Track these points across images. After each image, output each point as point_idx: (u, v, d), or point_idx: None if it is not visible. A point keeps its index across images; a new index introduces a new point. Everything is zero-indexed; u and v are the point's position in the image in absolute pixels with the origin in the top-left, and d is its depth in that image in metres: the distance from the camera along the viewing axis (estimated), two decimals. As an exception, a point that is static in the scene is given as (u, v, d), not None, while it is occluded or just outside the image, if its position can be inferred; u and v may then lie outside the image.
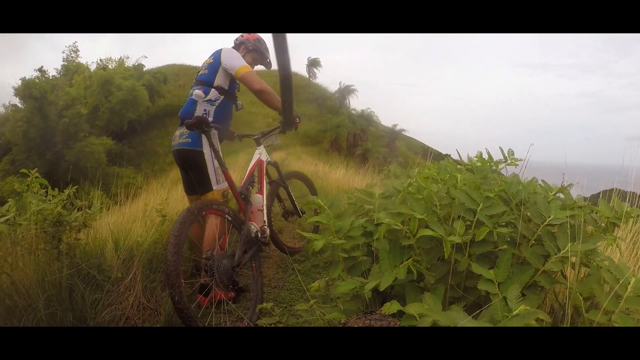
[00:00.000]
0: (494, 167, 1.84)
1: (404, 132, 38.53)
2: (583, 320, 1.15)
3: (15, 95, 22.77)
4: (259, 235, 2.31)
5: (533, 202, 1.35)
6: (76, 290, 1.88)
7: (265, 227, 2.42)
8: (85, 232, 2.19)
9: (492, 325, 0.98)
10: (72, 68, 28.58)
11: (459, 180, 1.47)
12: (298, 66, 47.02)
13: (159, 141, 28.99)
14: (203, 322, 1.81)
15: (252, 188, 2.53)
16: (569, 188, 1.47)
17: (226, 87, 2.40)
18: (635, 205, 1.81)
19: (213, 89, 2.36)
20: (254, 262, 2.21)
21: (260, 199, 2.49)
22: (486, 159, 1.87)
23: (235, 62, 2.34)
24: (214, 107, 2.37)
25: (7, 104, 24.49)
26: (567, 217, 1.24)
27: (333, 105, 41.09)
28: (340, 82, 45.66)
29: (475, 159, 1.90)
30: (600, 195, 1.74)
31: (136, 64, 33.01)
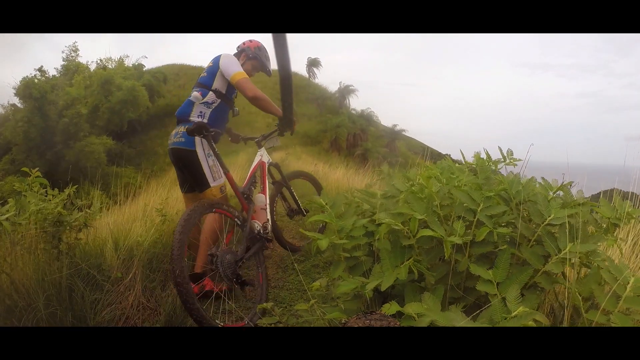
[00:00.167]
0: (493, 167, 1.84)
1: (404, 132, 38.53)
2: (583, 321, 1.15)
3: (16, 95, 22.77)
4: (262, 232, 2.39)
5: (533, 202, 1.35)
6: (76, 290, 1.88)
7: (268, 224, 2.49)
8: (85, 232, 2.20)
9: (491, 326, 0.98)
10: (72, 68, 28.55)
11: (462, 181, 1.47)
12: (298, 66, 47.03)
13: (159, 141, 28.96)
14: (209, 315, 1.83)
15: (255, 188, 2.60)
16: (569, 186, 1.47)
17: (223, 91, 2.46)
18: (636, 206, 1.81)
19: (210, 92, 2.42)
20: (260, 269, 2.28)
21: (262, 198, 2.57)
22: (484, 159, 1.87)
23: (232, 68, 2.40)
24: (210, 109, 2.43)
25: (6, 104, 24.51)
26: (567, 216, 1.24)
27: (333, 105, 41.08)
28: (340, 82, 45.68)
29: (473, 159, 1.90)
30: (601, 195, 1.74)
31: (136, 63, 32.99)
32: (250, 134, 2.97)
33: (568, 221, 1.24)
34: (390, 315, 1.17)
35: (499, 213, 1.35)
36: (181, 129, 2.36)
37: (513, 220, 1.37)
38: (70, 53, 29.55)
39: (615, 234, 1.40)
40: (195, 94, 2.38)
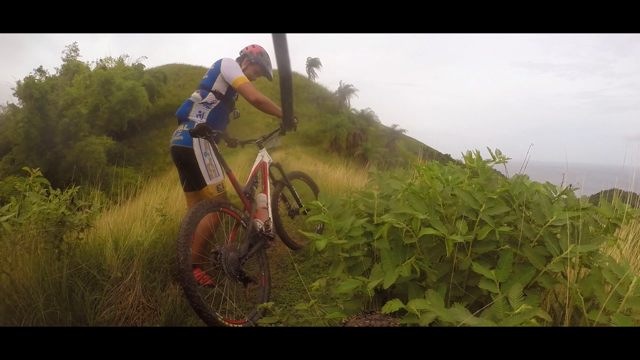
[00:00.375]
0: (484, 167, 1.84)
1: (403, 132, 38.54)
2: (583, 321, 1.15)
3: (16, 95, 22.76)
4: (264, 230, 2.44)
5: (536, 204, 1.35)
6: (76, 290, 1.88)
7: (270, 222, 2.54)
8: (85, 231, 2.20)
9: (493, 324, 0.98)
10: (72, 68, 28.52)
11: (464, 182, 1.47)
12: (298, 66, 47.03)
13: (159, 141, 28.97)
14: (213, 310, 1.85)
15: (256, 188, 2.65)
16: (574, 190, 1.48)
17: (223, 93, 2.52)
18: (636, 206, 1.81)
19: (210, 93, 2.49)
20: (263, 271, 2.32)
21: (264, 198, 2.63)
22: (475, 158, 1.87)
23: (234, 72, 2.47)
24: (209, 109, 2.49)
25: (5, 104, 24.51)
26: (569, 218, 1.24)
27: (333, 105, 41.10)
28: (340, 81, 45.63)
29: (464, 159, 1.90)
30: (601, 195, 1.74)
31: (136, 63, 32.96)
32: (250, 133, 3.03)
33: (570, 223, 1.24)
34: (390, 314, 1.17)
35: (502, 214, 1.36)
36: (181, 128, 2.43)
37: (515, 221, 1.38)
38: (70, 53, 29.54)
39: (615, 234, 1.40)
40: (195, 94, 2.47)
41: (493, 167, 1.85)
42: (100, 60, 32.69)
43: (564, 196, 1.44)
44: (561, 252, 1.21)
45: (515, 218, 1.37)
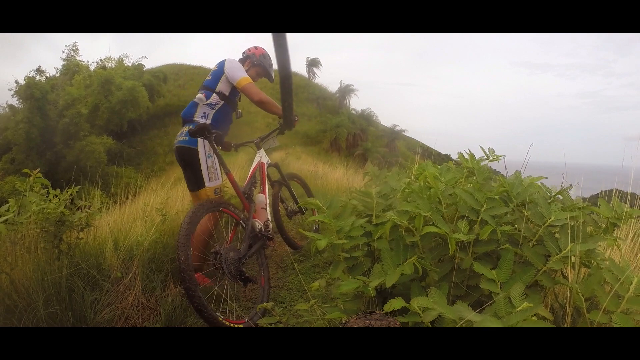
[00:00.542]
0: (478, 166, 1.83)
1: (403, 133, 38.53)
2: (584, 321, 1.15)
3: (17, 94, 22.73)
4: (263, 230, 2.46)
5: (535, 204, 1.36)
6: (76, 289, 1.88)
7: (269, 222, 2.56)
8: (85, 231, 2.20)
9: (496, 320, 0.98)
10: (72, 67, 28.49)
11: (462, 182, 1.47)
12: (298, 66, 47.05)
13: (159, 141, 28.97)
14: (214, 310, 1.86)
15: (255, 188, 2.67)
16: (569, 189, 1.48)
17: (227, 94, 2.56)
18: (635, 206, 1.81)
19: (214, 94, 2.52)
20: (263, 272, 2.34)
21: (263, 198, 2.64)
22: (468, 159, 1.87)
23: (237, 73, 2.52)
24: (214, 110, 2.52)
25: (4, 104, 24.49)
26: (567, 218, 1.24)
27: (333, 105, 41.08)
28: (340, 81, 45.64)
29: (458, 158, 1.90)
30: (600, 195, 1.74)
31: (136, 63, 32.92)
32: (250, 133, 3.04)
33: (568, 222, 1.25)
34: (391, 314, 1.17)
35: (502, 214, 1.36)
36: (186, 129, 2.45)
37: (514, 221, 1.38)
38: (70, 52, 29.49)
39: (615, 234, 1.40)
40: (199, 95, 2.49)
41: (493, 167, 1.85)
42: (100, 60, 32.67)
43: (560, 196, 1.45)
44: (560, 251, 1.21)
45: (515, 218, 1.37)
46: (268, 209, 2.65)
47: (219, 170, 2.46)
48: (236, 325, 1.89)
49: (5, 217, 1.87)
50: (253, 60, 2.81)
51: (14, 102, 23.85)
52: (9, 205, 1.98)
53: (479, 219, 1.34)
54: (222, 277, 2.09)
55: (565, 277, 1.33)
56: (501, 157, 1.82)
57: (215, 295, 2.11)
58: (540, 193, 1.44)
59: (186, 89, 36.60)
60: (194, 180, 2.50)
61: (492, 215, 1.33)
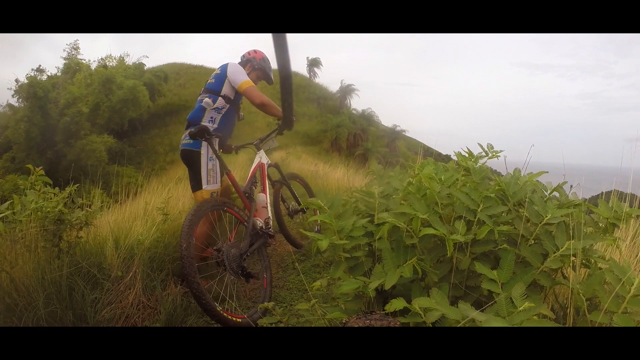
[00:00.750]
0: (474, 164, 1.83)
1: (404, 133, 38.52)
2: (584, 321, 1.15)
3: (18, 93, 22.74)
4: (264, 227, 2.51)
5: (531, 202, 1.36)
6: (76, 288, 1.88)
7: (270, 220, 2.60)
8: (85, 230, 2.20)
9: (500, 319, 0.97)
10: (73, 66, 28.46)
11: (458, 182, 1.47)
12: (298, 66, 47.03)
13: (160, 140, 28.96)
14: (213, 300, 1.87)
15: (255, 188, 2.71)
16: (563, 186, 1.48)
17: (232, 97, 2.60)
18: (635, 207, 1.80)
19: (220, 98, 2.57)
20: (266, 274, 2.37)
21: (263, 197, 2.69)
22: (466, 157, 1.87)
23: (239, 77, 2.57)
24: (220, 115, 2.59)
25: (3, 103, 24.52)
26: (563, 215, 1.24)
27: (333, 105, 41.08)
28: (341, 80, 45.60)
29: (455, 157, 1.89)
30: (600, 196, 1.73)
31: (137, 62, 32.90)
32: (251, 133, 3.06)
33: (565, 220, 1.25)
34: (391, 314, 1.17)
35: (499, 213, 1.36)
36: (188, 131, 2.49)
37: (511, 220, 1.38)
38: (72, 51, 29.45)
39: (614, 234, 1.40)
40: (207, 100, 2.54)
41: (493, 167, 1.85)
42: (102, 59, 32.62)
43: (556, 194, 1.45)
44: (558, 250, 1.21)
45: (512, 217, 1.37)
46: (269, 208, 2.69)
47: (219, 175, 2.51)
48: (234, 319, 1.89)
49: (3, 214, 1.87)
50: (254, 64, 2.85)
51: (14, 101, 23.91)
52: (10, 203, 1.98)
53: (476, 219, 1.33)
54: (224, 275, 2.11)
55: (566, 278, 1.33)
56: (500, 153, 1.82)
57: (216, 295, 2.11)
58: (537, 191, 1.44)
59: (187, 88, 36.61)
60: (195, 181, 2.54)
61: (489, 215, 1.33)
